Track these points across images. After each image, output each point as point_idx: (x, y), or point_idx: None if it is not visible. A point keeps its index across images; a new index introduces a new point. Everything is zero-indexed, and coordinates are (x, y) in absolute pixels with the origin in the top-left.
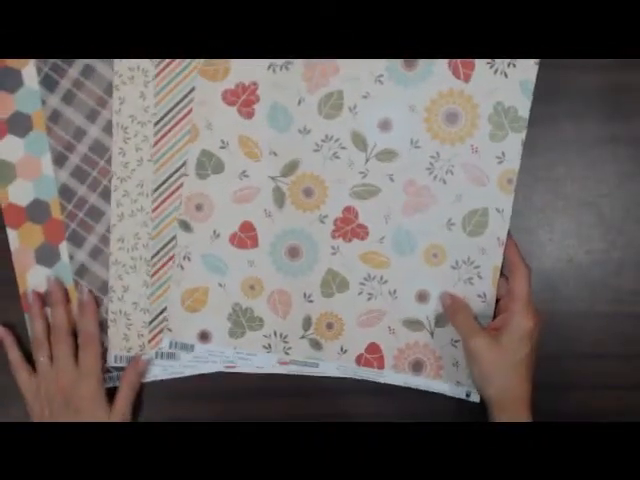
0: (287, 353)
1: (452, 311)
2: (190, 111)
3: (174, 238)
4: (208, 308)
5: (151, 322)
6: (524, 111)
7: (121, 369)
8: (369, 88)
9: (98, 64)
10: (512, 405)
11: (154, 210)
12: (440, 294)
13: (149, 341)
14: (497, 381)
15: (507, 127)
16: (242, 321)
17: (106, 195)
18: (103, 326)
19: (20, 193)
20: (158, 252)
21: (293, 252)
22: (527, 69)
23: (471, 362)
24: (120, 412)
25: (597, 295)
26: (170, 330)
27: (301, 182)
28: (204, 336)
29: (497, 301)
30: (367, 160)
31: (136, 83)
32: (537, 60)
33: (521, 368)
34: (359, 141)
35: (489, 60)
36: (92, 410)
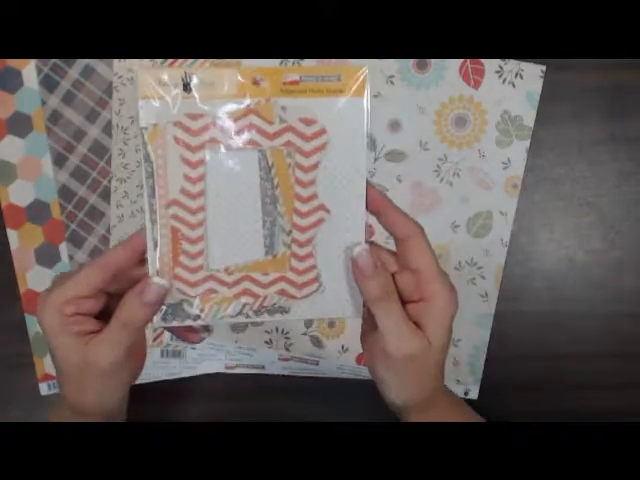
0: (288, 349)
1: (375, 296)
2: None
3: None
4: None
5: None
6: (529, 120)
7: None
8: (380, 88)
9: (98, 64)
10: (439, 403)
11: None
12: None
13: (154, 339)
14: (426, 387)
15: (513, 134)
16: None
17: (106, 196)
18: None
19: (20, 193)
20: None
21: None
22: (533, 80)
23: (397, 371)
24: (106, 359)
25: (597, 295)
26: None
27: None
28: (206, 329)
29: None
30: (376, 160)
31: (135, 86)
32: (543, 72)
33: (443, 363)
34: (368, 141)
35: (498, 69)
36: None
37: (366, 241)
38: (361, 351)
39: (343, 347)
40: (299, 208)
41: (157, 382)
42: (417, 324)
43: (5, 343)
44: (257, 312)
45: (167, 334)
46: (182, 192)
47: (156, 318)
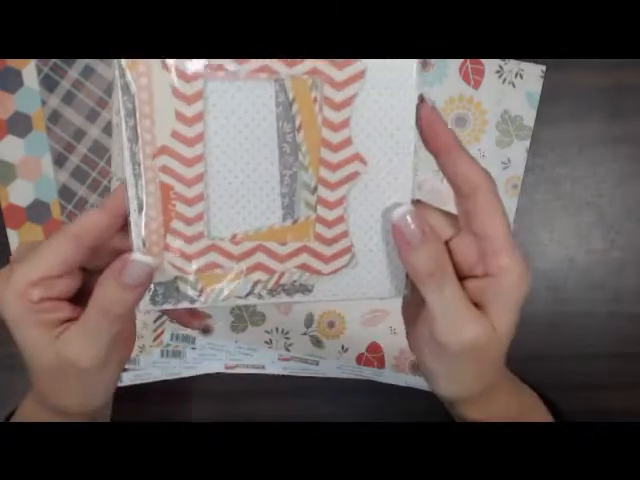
0: (288, 349)
1: (424, 272)
2: None
3: None
4: None
5: (155, 320)
6: (529, 120)
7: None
8: None
9: (98, 64)
10: (497, 390)
11: None
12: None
13: (154, 339)
14: (485, 380)
15: (513, 135)
16: (244, 315)
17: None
18: None
19: (20, 193)
20: None
21: None
22: (533, 80)
23: (451, 363)
24: (84, 356)
25: (597, 295)
26: (172, 322)
27: None
28: (206, 329)
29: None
30: None
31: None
32: (543, 72)
33: (506, 350)
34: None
35: (498, 69)
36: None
37: (412, 201)
38: (361, 351)
39: (343, 347)
40: (328, 158)
41: (157, 382)
42: (477, 305)
43: (4, 342)
44: (272, 292)
45: (167, 334)
46: (174, 136)
47: (143, 300)
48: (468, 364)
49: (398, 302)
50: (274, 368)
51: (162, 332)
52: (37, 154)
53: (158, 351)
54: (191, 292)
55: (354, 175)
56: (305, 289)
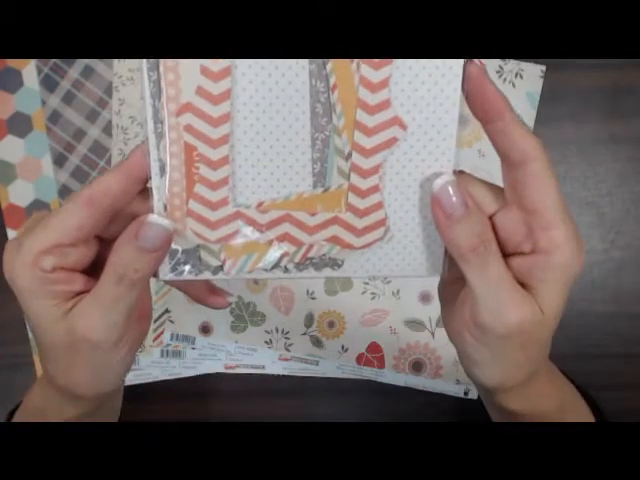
0: (288, 349)
1: (466, 248)
2: None
3: None
4: None
5: (156, 320)
6: (529, 120)
7: None
8: None
9: (98, 65)
10: (538, 379)
11: None
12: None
13: (154, 339)
14: (530, 367)
15: None
16: (244, 315)
17: None
18: None
19: (20, 193)
20: None
21: None
22: (533, 80)
23: (494, 348)
24: (98, 328)
25: (597, 295)
26: (172, 322)
27: None
28: (206, 329)
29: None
30: None
31: (136, 84)
32: (543, 72)
33: (552, 334)
34: None
35: (498, 69)
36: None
37: (454, 171)
38: (361, 351)
39: (343, 347)
40: (364, 121)
41: (157, 382)
42: (523, 285)
43: (4, 342)
44: (299, 265)
45: (167, 334)
46: (199, 93)
47: (163, 269)
48: (513, 349)
49: (398, 301)
50: (274, 368)
51: (162, 332)
52: (37, 154)
53: (158, 351)
54: (214, 262)
55: (392, 141)
56: (335, 264)
